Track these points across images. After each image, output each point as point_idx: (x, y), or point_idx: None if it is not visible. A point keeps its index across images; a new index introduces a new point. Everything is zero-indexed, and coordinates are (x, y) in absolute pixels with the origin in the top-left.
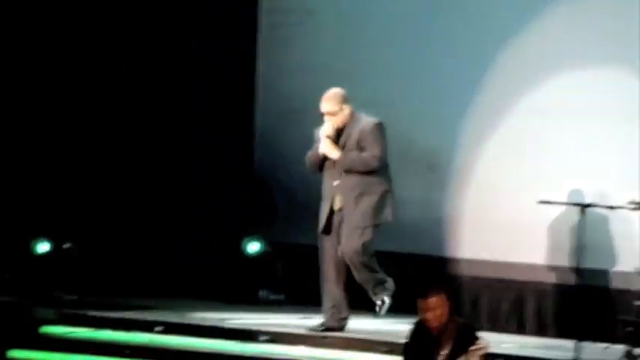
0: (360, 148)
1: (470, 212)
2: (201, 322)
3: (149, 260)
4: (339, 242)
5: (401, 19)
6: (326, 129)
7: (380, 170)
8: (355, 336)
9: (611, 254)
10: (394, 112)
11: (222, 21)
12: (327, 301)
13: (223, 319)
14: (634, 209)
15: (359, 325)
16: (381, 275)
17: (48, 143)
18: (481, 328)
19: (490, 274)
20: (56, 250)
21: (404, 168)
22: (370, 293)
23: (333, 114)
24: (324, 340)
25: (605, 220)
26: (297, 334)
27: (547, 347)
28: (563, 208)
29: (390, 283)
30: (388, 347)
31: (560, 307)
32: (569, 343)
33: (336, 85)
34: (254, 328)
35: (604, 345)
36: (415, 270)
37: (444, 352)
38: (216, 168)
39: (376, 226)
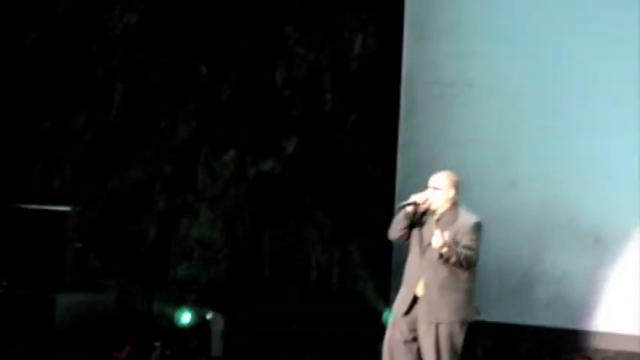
0: (456, 242)
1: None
2: None
3: None
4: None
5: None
6: (421, 197)
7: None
8: None
9: None
10: (558, 186)
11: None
12: None
13: None
14: None
15: None
16: None
17: None
18: None
19: None
20: None
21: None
22: None
23: (437, 189)
24: None
25: None
26: None
27: None
28: None
29: None
30: None
31: None
32: None
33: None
34: None
35: None
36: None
37: None
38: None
39: (464, 323)
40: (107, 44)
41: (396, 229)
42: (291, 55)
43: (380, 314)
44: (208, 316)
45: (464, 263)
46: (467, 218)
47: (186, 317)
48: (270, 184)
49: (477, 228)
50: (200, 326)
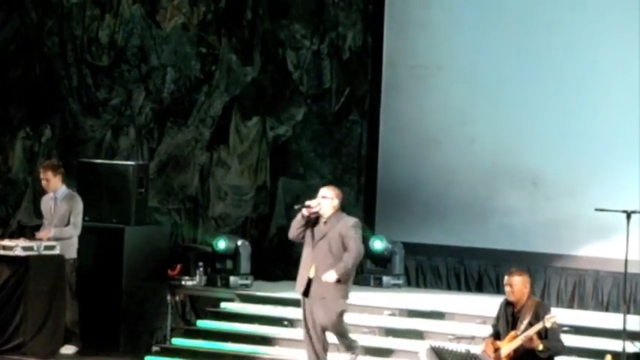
0: (342, 239)
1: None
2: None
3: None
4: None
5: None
6: (313, 202)
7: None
8: None
9: None
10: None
11: None
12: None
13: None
14: None
15: None
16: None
17: None
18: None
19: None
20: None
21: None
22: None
23: (325, 197)
24: None
25: None
26: None
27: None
28: None
29: (356, 344)
30: None
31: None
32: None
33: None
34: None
35: None
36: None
37: (525, 321)
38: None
39: (345, 297)
40: (159, 40)
41: (294, 230)
42: (299, 46)
43: (365, 239)
44: (239, 243)
45: (355, 266)
46: (347, 220)
47: (222, 244)
48: (284, 143)
49: (356, 225)
50: (233, 250)
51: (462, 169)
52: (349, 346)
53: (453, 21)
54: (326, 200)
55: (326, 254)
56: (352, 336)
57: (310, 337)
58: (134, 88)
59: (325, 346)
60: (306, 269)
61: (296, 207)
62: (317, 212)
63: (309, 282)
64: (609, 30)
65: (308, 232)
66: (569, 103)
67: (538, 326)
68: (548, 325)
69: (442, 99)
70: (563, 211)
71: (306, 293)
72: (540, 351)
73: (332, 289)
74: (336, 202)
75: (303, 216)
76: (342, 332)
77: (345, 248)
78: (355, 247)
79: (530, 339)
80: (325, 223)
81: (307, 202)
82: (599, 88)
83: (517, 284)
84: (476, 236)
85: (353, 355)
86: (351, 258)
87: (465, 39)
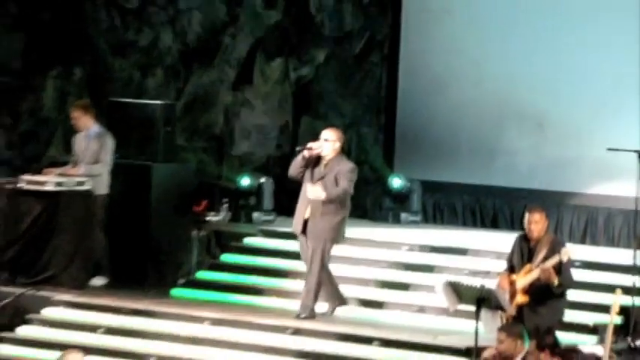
0: (337, 181)
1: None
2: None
3: None
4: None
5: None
6: (315, 144)
7: (344, 201)
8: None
9: None
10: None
11: None
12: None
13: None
14: None
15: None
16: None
17: None
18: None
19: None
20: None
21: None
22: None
23: (327, 140)
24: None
25: None
26: None
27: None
28: None
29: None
30: None
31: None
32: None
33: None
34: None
35: None
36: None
37: (541, 255)
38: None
39: (334, 240)
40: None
41: (295, 169)
42: None
43: (384, 177)
44: (262, 180)
45: (337, 200)
46: (346, 164)
47: (245, 181)
48: (306, 84)
49: (352, 171)
50: (256, 187)
51: (470, 112)
52: (309, 304)
53: None
54: (328, 143)
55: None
56: (340, 289)
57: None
58: (161, 30)
59: (329, 276)
60: (303, 210)
61: (298, 148)
62: (318, 153)
63: (306, 222)
64: None
65: (307, 172)
66: (574, 46)
67: (555, 259)
68: (565, 258)
69: (455, 42)
70: (571, 150)
71: (303, 232)
72: (556, 286)
73: (326, 230)
74: (337, 144)
75: (303, 157)
76: (316, 280)
77: None
78: (344, 184)
79: (547, 271)
80: (326, 165)
81: (309, 144)
82: (603, 30)
83: (540, 221)
84: (490, 175)
85: (302, 316)
86: (337, 190)
87: None
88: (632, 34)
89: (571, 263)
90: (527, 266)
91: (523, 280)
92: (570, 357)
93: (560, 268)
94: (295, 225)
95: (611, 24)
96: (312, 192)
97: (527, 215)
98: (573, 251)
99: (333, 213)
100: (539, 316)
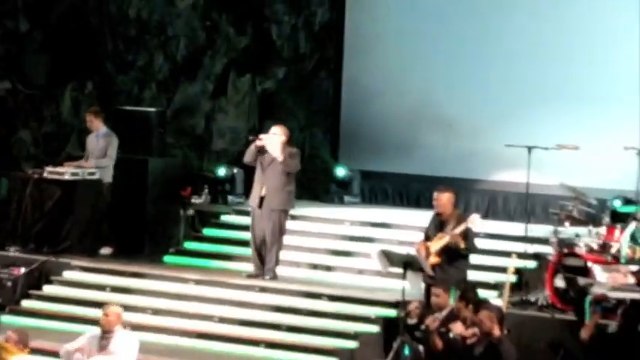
0: (287, 164)
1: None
2: None
3: None
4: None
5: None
6: (265, 136)
7: (292, 176)
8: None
9: None
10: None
11: None
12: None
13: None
14: None
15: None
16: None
17: None
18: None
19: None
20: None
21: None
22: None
23: (275, 134)
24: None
25: None
26: None
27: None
28: None
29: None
30: None
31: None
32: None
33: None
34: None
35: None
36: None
37: (450, 226)
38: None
39: (286, 211)
40: (174, 15)
41: (249, 156)
42: (281, 21)
43: (331, 168)
44: (234, 171)
45: (292, 169)
46: (290, 149)
47: (222, 171)
48: (269, 95)
49: (297, 154)
50: (230, 176)
51: (397, 114)
52: (273, 267)
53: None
54: (275, 136)
55: (273, 175)
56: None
57: (255, 244)
58: (155, 53)
59: (262, 254)
60: (258, 188)
61: (250, 137)
62: (263, 146)
63: (262, 199)
64: None
65: (259, 159)
66: (479, 62)
67: (462, 226)
68: (470, 225)
69: (386, 60)
70: (476, 145)
71: (260, 206)
72: (462, 249)
73: (278, 202)
74: (283, 138)
75: (256, 146)
76: (277, 246)
77: None
78: (296, 164)
79: (456, 237)
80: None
81: (261, 135)
82: (508, 45)
83: (443, 198)
84: (413, 165)
85: (267, 277)
86: (288, 164)
87: (403, 10)
88: (524, 57)
89: (475, 233)
90: (439, 234)
91: (436, 244)
92: (480, 307)
93: (467, 235)
94: (252, 199)
95: (515, 40)
96: (274, 148)
97: (435, 194)
98: (478, 218)
99: (282, 189)
100: (447, 274)
